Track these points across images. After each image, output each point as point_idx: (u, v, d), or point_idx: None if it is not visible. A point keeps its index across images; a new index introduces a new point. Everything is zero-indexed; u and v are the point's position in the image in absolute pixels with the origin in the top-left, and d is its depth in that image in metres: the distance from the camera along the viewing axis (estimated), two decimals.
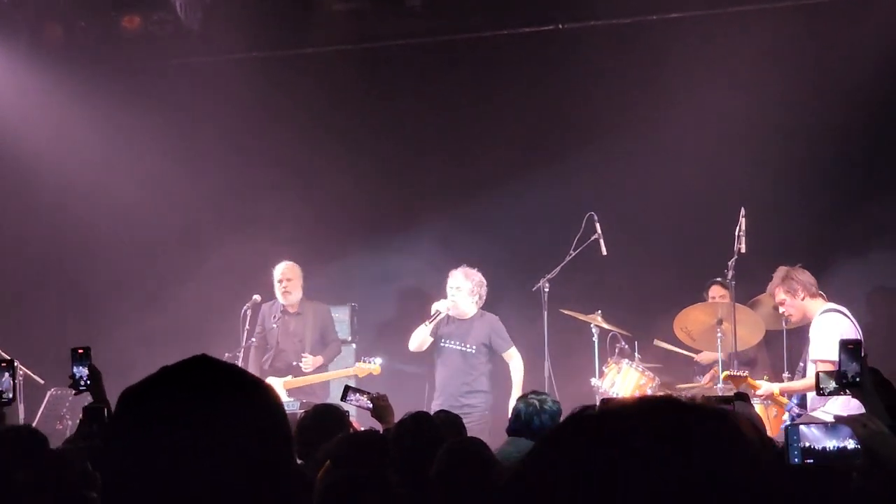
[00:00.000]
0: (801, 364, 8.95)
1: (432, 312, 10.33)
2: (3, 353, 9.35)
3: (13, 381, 5.71)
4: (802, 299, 8.83)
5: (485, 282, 10.39)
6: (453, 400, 9.95)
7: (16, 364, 9.33)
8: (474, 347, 10.28)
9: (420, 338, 10.38)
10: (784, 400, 8.95)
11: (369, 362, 10.41)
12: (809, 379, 8.46)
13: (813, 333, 8.68)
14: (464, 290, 10.33)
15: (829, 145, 10.79)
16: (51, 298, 12.69)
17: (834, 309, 8.78)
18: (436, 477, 4.59)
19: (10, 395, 5.37)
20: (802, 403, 8.70)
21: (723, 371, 9.16)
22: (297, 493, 1.89)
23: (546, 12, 11.67)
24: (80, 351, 4.85)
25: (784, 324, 9.28)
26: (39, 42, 12.25)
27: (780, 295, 8.96)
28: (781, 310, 9.05)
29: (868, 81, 10.36)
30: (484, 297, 10.42)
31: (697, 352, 10.46)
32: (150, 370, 1.90)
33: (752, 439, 1.69)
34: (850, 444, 3.95)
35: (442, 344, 10.38)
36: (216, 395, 1.84)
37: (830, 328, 8.54)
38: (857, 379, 4.37)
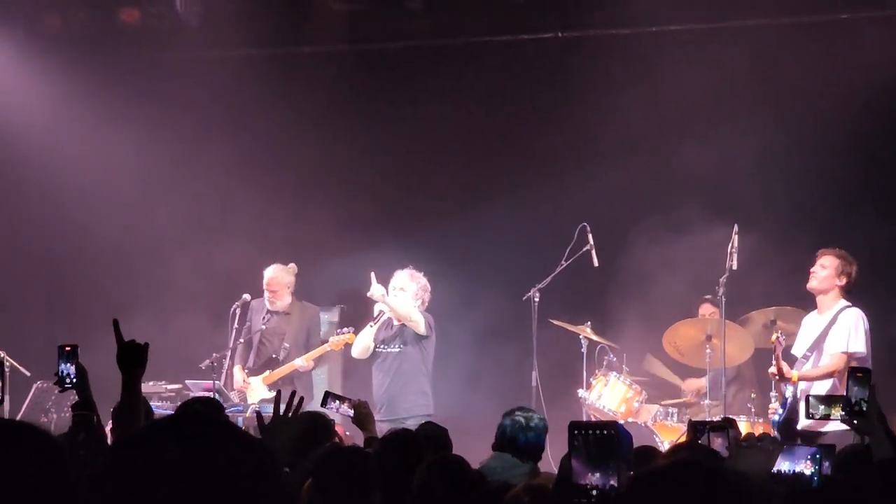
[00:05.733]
0: (809, 349, 8.68)
1: (375, 314, 9.92)
2: None
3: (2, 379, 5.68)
4: (837, 285, 8.66)
5: (429, 287, 10.02)
6: (395, 406, 9.65)
7: (3, 357, 9.34)
8: (409, 345, 9.84)
9: (364, 342, 9.93)
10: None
11: (343, 333, 10.15)
12: (826, 366, 8.49)
13: (846, 324, 8.52)
14: (408, 292, 9.87)
15: (825, 163, 10.77)
16: (39, 289, 12.64)
17: (856, 307, 8.68)
18: (417, 493, 4.57)
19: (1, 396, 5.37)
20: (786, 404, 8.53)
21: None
22: None
23: (545, 20, 11.64)
24: (68, 348, 4.78)
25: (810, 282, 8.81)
26: (37, 31, 12.21)
27: (828, 265, 8.67)
28: (815, 269, 8.71)
29: (864, 99, 10.36)
30: (427, 303, 10.00)
31: (684, 377, 10.51)
32: None
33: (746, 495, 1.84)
34: (806, 469, 3.96)
35: (378, 349, 9.95)
36: (204, 450, 1.86)
37: (861, 325, 8.54)
38: (865, 408, 4.37)
